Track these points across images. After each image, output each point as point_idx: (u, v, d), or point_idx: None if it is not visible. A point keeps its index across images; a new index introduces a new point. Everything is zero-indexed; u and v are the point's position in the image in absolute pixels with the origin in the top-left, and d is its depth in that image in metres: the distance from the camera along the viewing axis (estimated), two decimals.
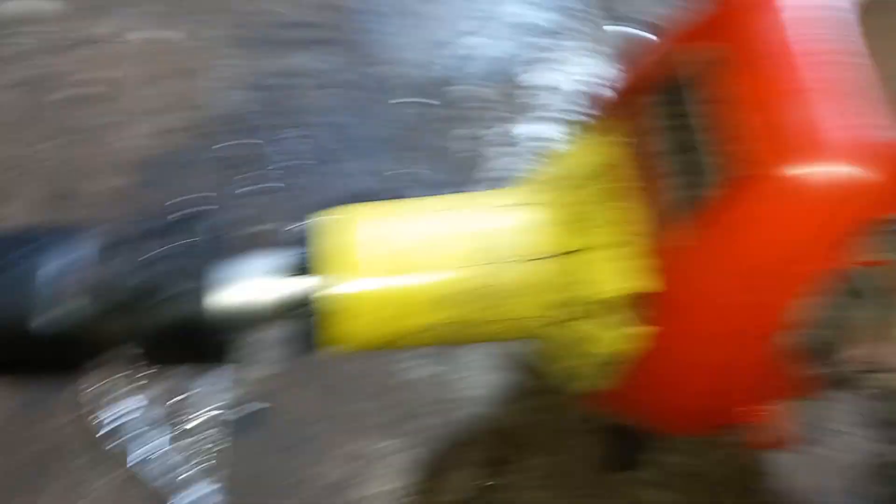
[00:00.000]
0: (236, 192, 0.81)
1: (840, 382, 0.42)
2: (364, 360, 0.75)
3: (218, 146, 0.84)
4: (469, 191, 0.84)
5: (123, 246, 0.48)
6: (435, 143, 0.87)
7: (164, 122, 0.85)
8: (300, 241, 0.50)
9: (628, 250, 0.46)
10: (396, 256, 0.50)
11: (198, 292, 0.47)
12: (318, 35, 0.91)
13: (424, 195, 0.83)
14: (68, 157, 0.83)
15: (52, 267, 0.47)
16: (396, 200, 0.53)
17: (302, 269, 0.49)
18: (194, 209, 0.50)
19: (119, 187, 0.81)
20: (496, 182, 0.85)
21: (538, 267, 0.49)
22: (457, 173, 0.86)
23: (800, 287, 0.41)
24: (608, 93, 0.50)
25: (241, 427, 0.70)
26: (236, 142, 0.84)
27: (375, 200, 0.82)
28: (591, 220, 0.48)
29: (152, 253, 0.47)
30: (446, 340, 0.52)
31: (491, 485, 0.73)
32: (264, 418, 0.71)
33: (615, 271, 0.47)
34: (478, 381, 0.76)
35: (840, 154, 0.37)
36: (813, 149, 0.38)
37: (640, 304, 0.46)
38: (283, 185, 0.82)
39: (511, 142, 0.88)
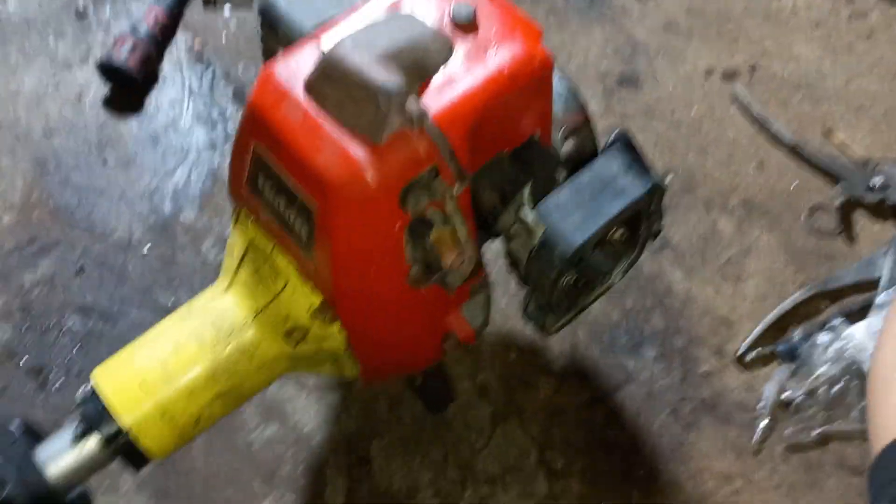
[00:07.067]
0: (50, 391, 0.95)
1: (448, 282, 0.62)
2: (209, 457, 0.91)
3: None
4: None
5: None
6: (191, 265, 1.04)
7: None
8: (90, 397, 0.66)
9: (295, 284, 0.65)
10: (162, 370, 0.67)
11: (36, 474, 0.62)
12: (48, 240, 1.05)
13: None
14: None
15: None
16: (144, 335, 0.70)
17: (102, 418, 0.65)
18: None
19: None
20: None
21: (255, 325, 0.68)
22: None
23: (394, 241, 0.61)
24: (227, 189, 0.70)
25: None
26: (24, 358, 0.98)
27: None
28: (264, 280, 0.67)
29: None
30: (232, 405, 0.69)
31: (362, 481, 0.91)
32: None
33: (298, 300, 0.66)
34: (307, 416, 0.94)
35: (358, 168, 0.58)
36: (346, 171, 0.58)
37: (326, 310, 0.66)
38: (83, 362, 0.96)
39: None
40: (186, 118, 1.16)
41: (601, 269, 0.66)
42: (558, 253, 0.58)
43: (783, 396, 0.94)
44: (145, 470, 0.88)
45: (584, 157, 0.76)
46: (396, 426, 0.94)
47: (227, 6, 1.25)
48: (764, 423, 0.93)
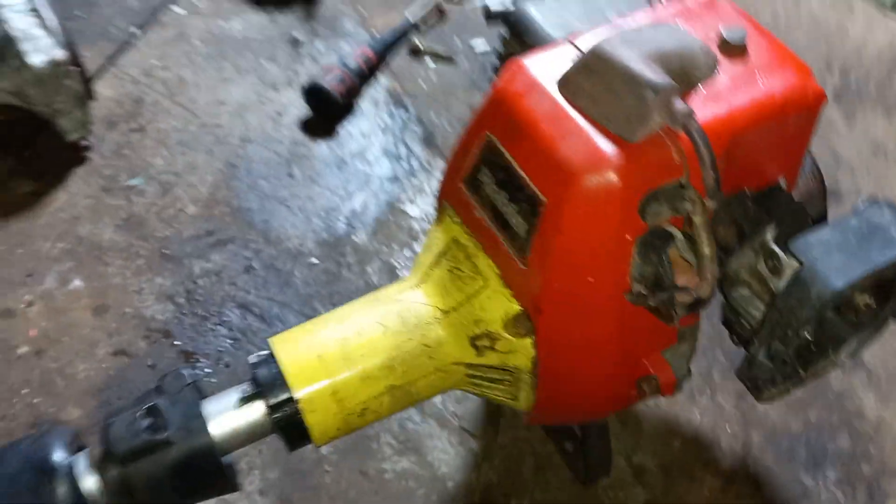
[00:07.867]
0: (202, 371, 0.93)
1: (672, 308, 0.56)
2: (339, 477, 0.86)
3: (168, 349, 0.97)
4: None
5: (120, 417, 0.60)
6: (354, 283, 1.03)
7: (116, 344, 0.97)
8: (264, 362, 0.63)
9: (495, 288, 0.62)
10: (342, 349, 0.63)
11: (200, 425, 0.59)
12: (224, 235, 1.07)
13: None
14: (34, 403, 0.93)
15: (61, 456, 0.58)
16: (328, 313, 0.67)
17: (273, 384, 0.62)
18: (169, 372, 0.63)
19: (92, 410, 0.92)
20: None
21: (443, 324, 0.64)
22: None
23: (622, 249, 0.57)
24: (440, 185, 0.68)
25: None
26: (176, 344, 0.97)
27: None
28: (460, 279, 0.64)
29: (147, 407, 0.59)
30: (399, 404, 0.65)
31: None
32: None
33: (494, 306, 0.62)
34: (446, 457, 0.87)
35: (605, 163, 0.54)
36: (592, 164, 0.55)
37: (523, 321, 0.61)
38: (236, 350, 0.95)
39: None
40: (374, 150, 1.18)
41: (838, 336, 0.59)
42: (816, 292, 0.51)
43: None
44: (273, 474, 0.86)
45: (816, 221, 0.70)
46: (540, 489, 0.86)
47: (429, 58, 1.30)
48: None
